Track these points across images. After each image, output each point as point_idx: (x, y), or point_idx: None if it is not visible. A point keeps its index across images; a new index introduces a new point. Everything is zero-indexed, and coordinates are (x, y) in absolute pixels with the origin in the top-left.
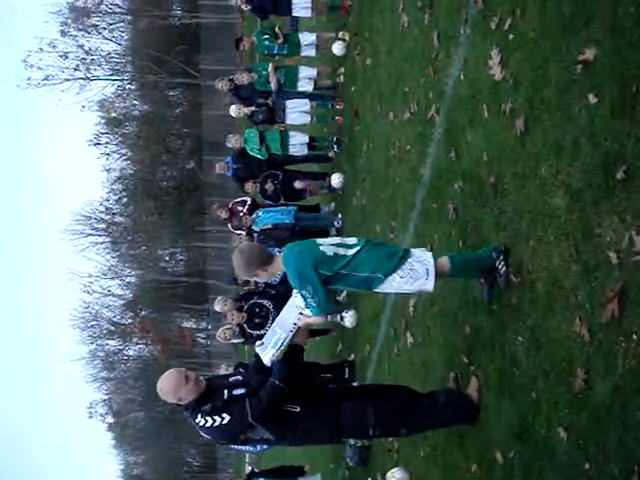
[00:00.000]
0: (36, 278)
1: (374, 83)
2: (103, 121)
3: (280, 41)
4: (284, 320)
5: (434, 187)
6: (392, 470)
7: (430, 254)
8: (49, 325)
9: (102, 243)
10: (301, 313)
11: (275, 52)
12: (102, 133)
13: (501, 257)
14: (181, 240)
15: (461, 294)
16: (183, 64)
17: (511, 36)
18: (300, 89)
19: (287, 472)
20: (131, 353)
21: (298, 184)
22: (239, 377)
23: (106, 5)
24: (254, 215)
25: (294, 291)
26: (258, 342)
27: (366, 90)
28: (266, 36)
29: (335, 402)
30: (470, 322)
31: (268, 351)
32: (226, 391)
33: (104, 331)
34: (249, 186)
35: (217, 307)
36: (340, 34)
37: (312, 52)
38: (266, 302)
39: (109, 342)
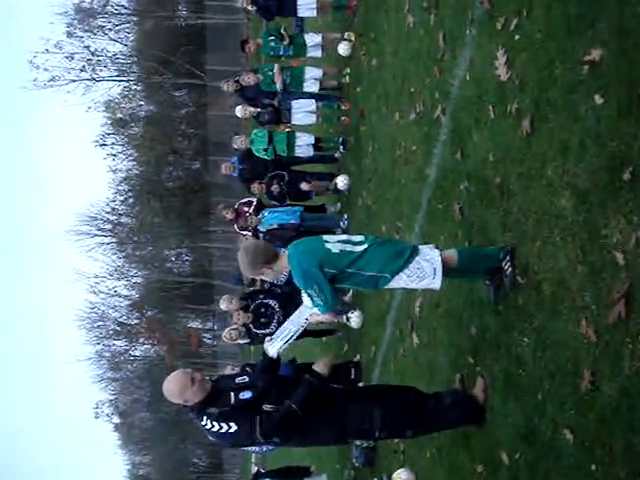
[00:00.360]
0: (41, 279)
1: (380, 83)
2: (109, 122)
3: (286, 42)
4: (296, 318)
5: (440, 187)
6: (398, 471)
7: (437, 252)
8: (55, 326)
9: (108, 244)
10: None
11: (281, 53)
12: (108, 134)
13: (507, 258)
14: (187, 241)
15: (467, 295)
16: (189, 65)
17: (517, 36)
18: (306, 90)
19: (293, 472)
20: (137, 353)
21: (304, 186)
22: (245, 378)
23: (112, 6)
24: (260, 215)
25: (303, 293)
26: (268, 338)
27: (372, 90)
28: (272, 37)
29: (341, 403)
30: (476, 323)
31: (276, 343)
32: (233, 394)
33: (110, 331)
34: (255, 187)
35: (223, 306)
36: (346, 35)
37: (318, 53)
38: (272, 302)
39: (115, 342)
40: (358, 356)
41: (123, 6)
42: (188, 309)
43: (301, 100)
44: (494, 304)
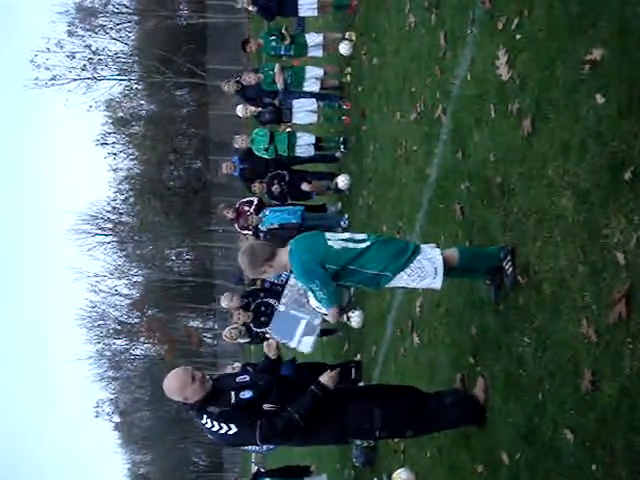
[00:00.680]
0: (42, 277)
1: (381, 83)
2: (110, 121)
3: (287, 42)
4: (295, 301)
5: (440, 187)
6: (398, 471)
7: (439, 251)
8: (55, 324)
9: (109, 243)
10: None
11: (282, 53)
12: (109, 133)
13: (508, 257)
14: (188, 240)
15: (467, 295)
16: (190, 64)
17: (518, 36)
18: (307, 89)
19: (293, 472)
20: (138, 352)
21: (305, 186)
22: (246, 377)
23: (113, 5)
24: (261, 214)
25: (291, 277)
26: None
27: (373, 90)
28: (273, 37)
29: (341, 402)
30: (476, 323)
31: (304, 341)
32: (233, 393)
33: (111, 330)
34: (256, 186)
35: (223, 303)
36: (347, 34)
37: (319, 53)
38: (272, 300)
39: (116, 341)
40: (359, 356)
41: (124, 5)
42: (188, 308)
43: (302, 99)
44: (494, 304)
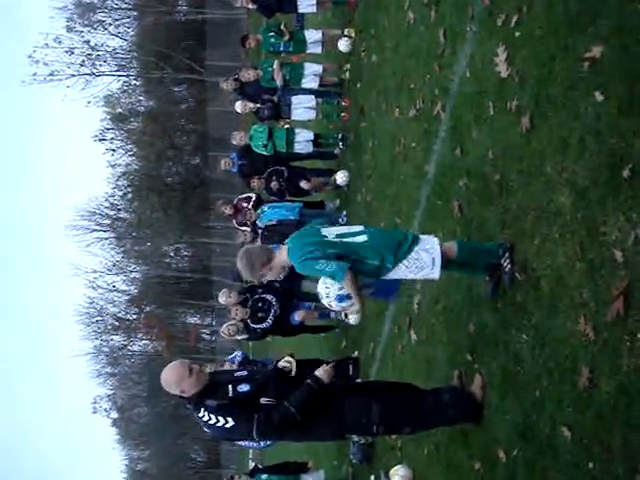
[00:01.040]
0: (40, 273)
1: (380, 80)
2: (108, 117)
3: (286, 38)
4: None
5: (439, 184)
6: (395, 467)
7: (437, 240)
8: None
9: (107, 239)
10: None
11: (281, 49)
12: (107, 129)
13: (506, 254)
14: (186, 236)
15: (465, 292)
16: (188, 60)
17: (517, 33)
18: (305, 86)
19: (291, 468)
20: (135, 349)
21: (304, 184)
22: (244, 372)
23: (112, 1)
24: (259, 210)
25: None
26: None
27: (372, 87)
28: (272, 33)
29: (339, 398)
30: (474, 320)
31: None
32: (231, 387)
33: (109, 327)
34: (254, 182)
35: (221, 299)
36: (346, 31)
37: (318, 49)
38: (269, 296)
39: (114, 337)
40: (356, 352)
41: (123, 1)
42: (187, 304)
43: (301, 96)
44: (492, 301)
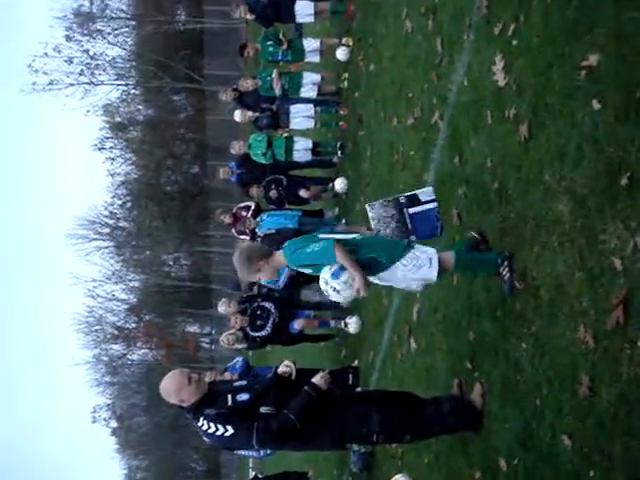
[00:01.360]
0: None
1: (378, 89)
2: (107, 126)
3: (284, 47)
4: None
5: (437, 193)
6: (396, 476)
7: (434, 250)
8: (52, 330)
9: (106, 247)
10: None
11: (279, 58)
12: (106, 138)
13: (505, 263)
14: (185, 245)
15: (465, 300)
16: (187, 69)
17: (515, 42)
18: (304, 95)
19: (291, 478)
20: (135, 358)
21: (303, 193)
22: (243, 382)
23: (111, 10)
24: (258, 219)
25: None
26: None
27: (370, 95)
28: (270, 42)
29: (339, 407)
30: (474, 328)
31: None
32: (230, 396)
33: (108, 335)
34: (253, 191)
35: (221, 309)
36: (344, 40)
37: (316, 58)
38: (268, 304)
39: (113, 346)
40: (356, 361)
41: (122, 10)
42: (186, 313)
43: (299, 105)
44: (493, 308)
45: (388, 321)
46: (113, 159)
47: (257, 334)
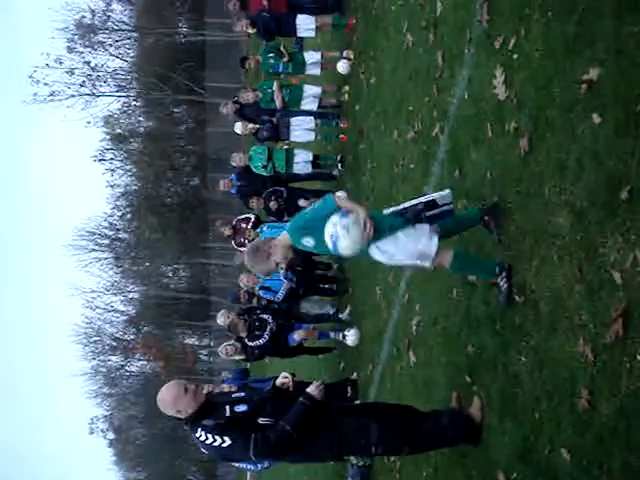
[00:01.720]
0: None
1: (378, 102)
2: (108, 137)
3: (285, 60)
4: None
5: None
6: None
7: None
8: (50, 340)
9: (105, 259)
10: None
11: (280, 71)
12: (107, 149)
13: (504, 274)
14: (184, 257)
15: (464, 313)
16: (188, 81)
17: (515, 56)
18: (304, 107)
19: None
20: (133, 369)
21: (303, 203)
22: (242, 393)
23: (112, 22)
24: (258, 230)
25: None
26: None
27: (370, 108)
28: (271, 55)
29: (337, 419)
30: (473, 341)
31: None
32: (228, 407)
33: (106, 347)
34: (253, 203)
35: (220, 320)
36: (345, 53)
37: (317, 71)
38: (266, 316)
39: (111, 358)
40: (355, 374)
41: (124, 22)
42: (185, 325)
43: (300, 117)
44: (492, 320)
45: (387, 334)
46: (113, 170)
47: (255, 343)
